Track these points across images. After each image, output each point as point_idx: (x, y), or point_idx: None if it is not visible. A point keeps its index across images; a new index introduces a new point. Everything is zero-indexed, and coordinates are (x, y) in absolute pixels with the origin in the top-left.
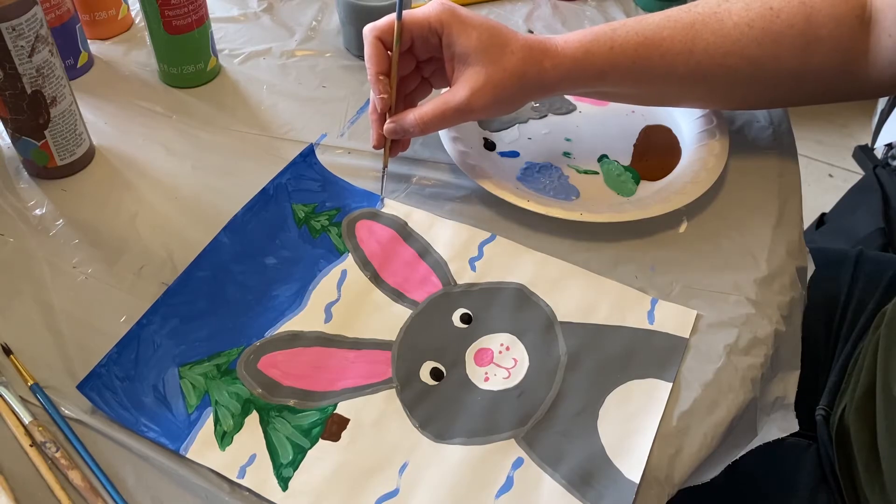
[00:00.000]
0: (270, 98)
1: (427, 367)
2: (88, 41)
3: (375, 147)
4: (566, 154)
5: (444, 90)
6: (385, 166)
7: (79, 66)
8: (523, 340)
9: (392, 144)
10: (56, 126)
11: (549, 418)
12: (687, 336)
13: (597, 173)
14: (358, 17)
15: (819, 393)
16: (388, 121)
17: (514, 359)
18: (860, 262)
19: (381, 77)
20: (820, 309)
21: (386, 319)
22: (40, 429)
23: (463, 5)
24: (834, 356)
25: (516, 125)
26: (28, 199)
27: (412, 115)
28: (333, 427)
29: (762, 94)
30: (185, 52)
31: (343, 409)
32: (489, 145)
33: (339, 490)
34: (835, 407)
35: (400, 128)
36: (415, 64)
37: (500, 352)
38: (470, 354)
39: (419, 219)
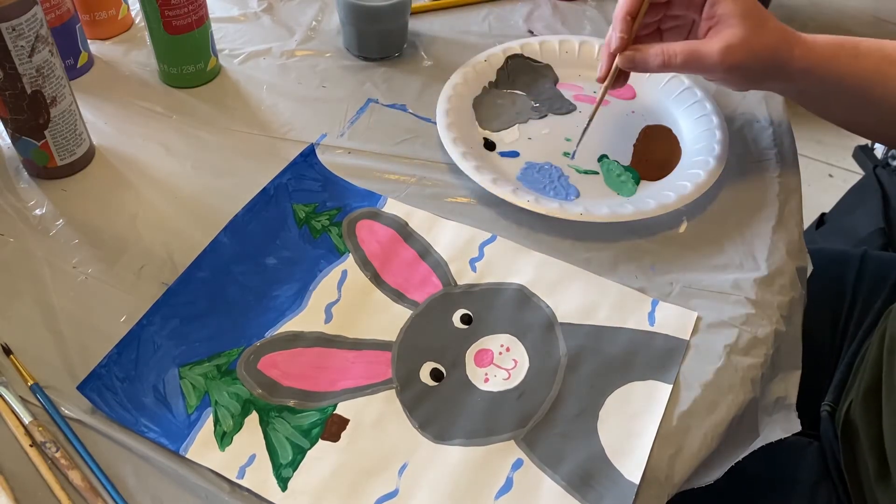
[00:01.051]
0: (270, 98)
1: (427, 367)
2: (88, 41)
3: (600, 80)
4: (566, 154)
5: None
6: (599, 103)
7: (79, 66)
8: (523, 341)
9: (617, 77)
10: (56, 126)
11: (549, 419)
12: (687, 338)
13: (597, 173)
14: (358, 17)
15: (823, 393)
16: (628, 50)
17: (514, 360)
18: (865, 262)
19: (627, 17)
20: (824, 309)
21: (386, 320)
22: (40, 429)
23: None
24: (840, 355)
25: (516, 125)
26: (28, 199)
27: (657, 48)
28: (333, 427)
29: None
30: (185, 52)
31: (343, 409)
32: (489, 145)
33: (339, 490)
34: (840, 402)
35: (641, 58)
36: (661, 15)
37: (501, 353)
38: (470, 355)
39: (420, 219)
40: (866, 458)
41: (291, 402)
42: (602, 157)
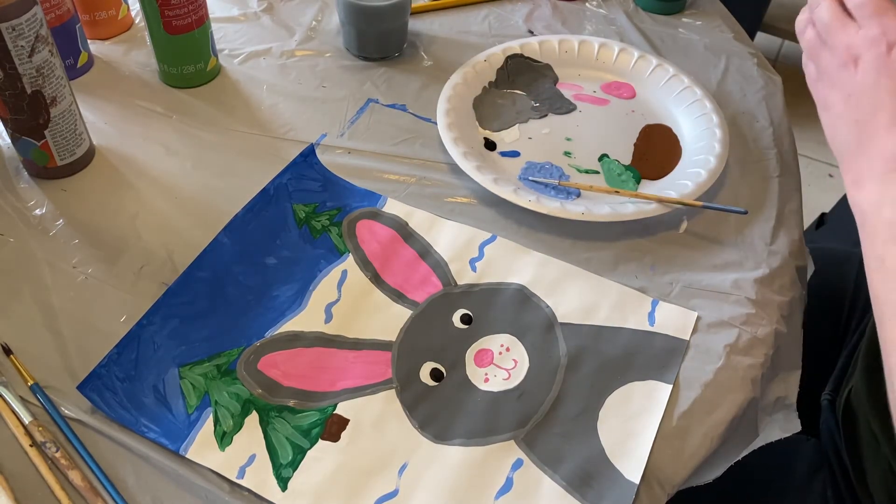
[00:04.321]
0: (270, 98)
1: (427, 367)
2: (88, 41)
3: None
4: (567, 153)
5: None
6: None
7: (79, 66)
8: (523, 341)
9: None
10: (56, 126)
11: (549, 419)
12: (687, 338)
13: (597, 172)
14: (358, 17)
15: (821, 392)
16: None
17: (514, 360)
18: None
19: None
20: (824, 308)
21: (386, 320)
22: (40, 429)
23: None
24: (839, 354)
25: (517, 125)
26: (28, 199)
27: None
28: (333, 427)
29: None
30: (185, 52)
31: (343, 409)
32: (490, 145)
33: (339, 490)
34: (840, 391)
35: None
36: None
37: (501, 353)
38: (470, 355)
39: (420, 219)
40: (868, 435)
41: (291, 402)
42: (602, 157)
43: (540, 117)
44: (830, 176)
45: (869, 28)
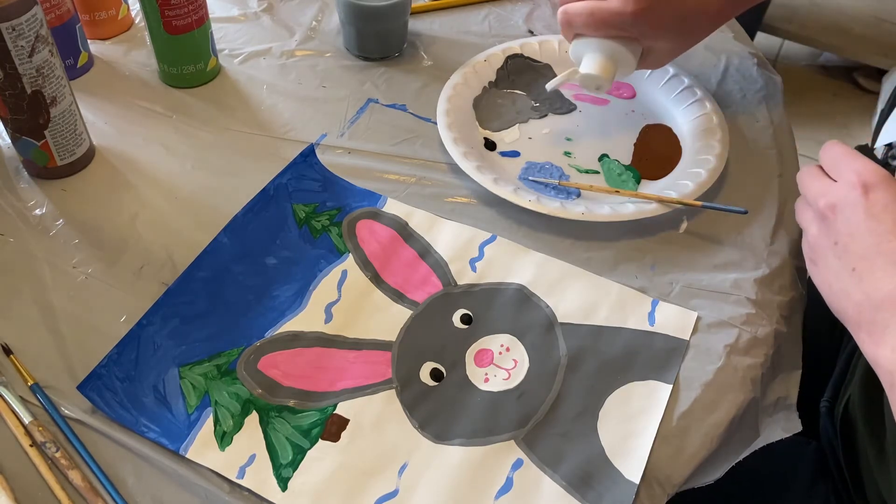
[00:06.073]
0: (270, 98)
1: (427, 367)
2: (88, 41)
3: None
4: (567, 153)
5: None
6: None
7: (79, 66)
8: (523, 341)
9: None
10: (56, 126)
11: (549, 420)
12: (687, 338)
13: (597, 172)
14: (358, 17)
15: (822, 392)
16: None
17: (514, 360)
18: None
19: None
20: (824, 308)
21: (386, 320)
22: (40, 429)
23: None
24: (838, 354)
25: (517, 125)
26: (28, 199)
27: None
28: (333, 427)
29: None
30: (185, 52)
31: (343, 409)
32: (490, 145)
33: (339, 490)
34: (839, 398)
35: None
36: None
37: (501, 353)
38: (470, 355)
39: (420, 219)
40: (866, 447)
41: (291, 402)
42: (602, 157)
43: (540, 117)
44: None
45: (842, 175)
